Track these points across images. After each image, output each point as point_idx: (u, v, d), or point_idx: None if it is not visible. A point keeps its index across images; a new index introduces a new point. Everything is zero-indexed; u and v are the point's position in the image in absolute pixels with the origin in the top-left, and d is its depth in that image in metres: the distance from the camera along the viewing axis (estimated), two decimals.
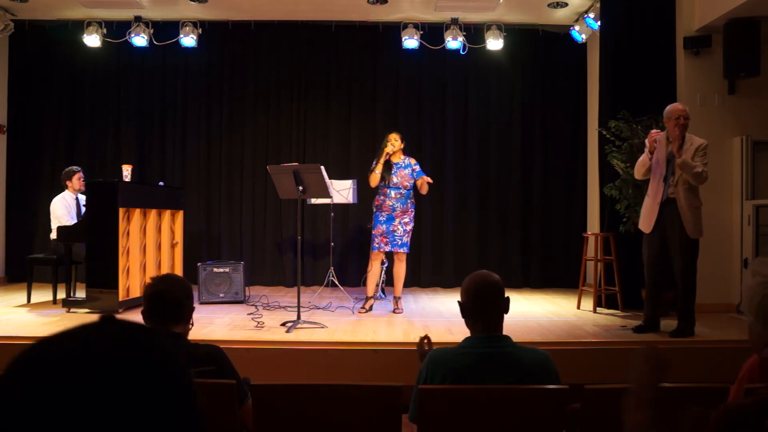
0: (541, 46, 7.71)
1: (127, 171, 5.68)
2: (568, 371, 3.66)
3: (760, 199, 5.69)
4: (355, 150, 7.71)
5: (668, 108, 4.60)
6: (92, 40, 7.37)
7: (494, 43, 7.40)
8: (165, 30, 7.50)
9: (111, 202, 5.31)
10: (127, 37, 7.35)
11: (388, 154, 5.47)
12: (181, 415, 0.61)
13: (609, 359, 4.16)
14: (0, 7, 7.10)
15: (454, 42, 7.33)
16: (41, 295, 6.22)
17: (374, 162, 5.55)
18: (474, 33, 7.51)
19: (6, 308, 5.64)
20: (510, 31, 7.50)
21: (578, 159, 7.70)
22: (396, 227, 5.49)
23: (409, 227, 5.56)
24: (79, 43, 7.49)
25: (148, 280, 2.42)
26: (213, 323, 4.96)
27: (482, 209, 7.71)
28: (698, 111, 5.80)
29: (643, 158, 4.61)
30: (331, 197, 5.57)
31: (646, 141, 4.62)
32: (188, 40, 7.37)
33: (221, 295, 6.07)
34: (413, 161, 5.62)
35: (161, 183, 6.81)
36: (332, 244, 6.99)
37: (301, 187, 4.90)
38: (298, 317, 4.86)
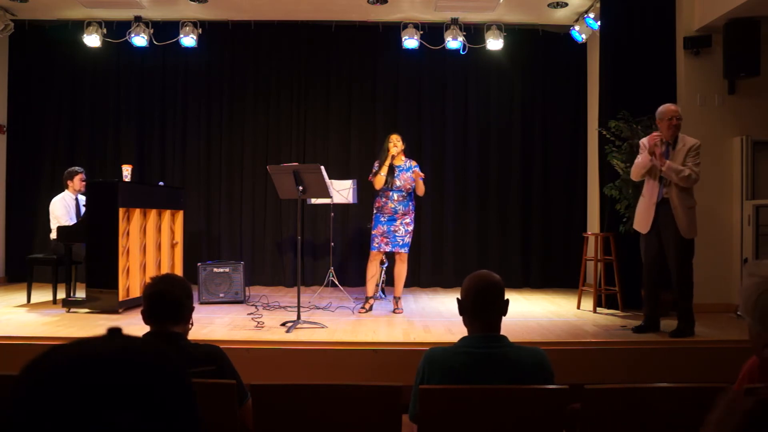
0: (541, 46, 7.71)
1: (127, 171, 5.68)
2: (568, 371, 3.68)
3: (760, 199, 5.69)
4: (355, 150, 7.71)
5: (660, 109, 4.60)
6: (92, 40, 7.37)
7: (494, 43, 7.40)
8: (165, 30, 7.50)
9: (111, 202, 5.31)
10: (127, 37, 7.35)
11: (393, 156, 5.47)
12: (181, 417, 0.65)
13: (609, 359, 4.16)
14: (0, 7, 7.10)
15: (454, 42, 7.33)
16: (41, 295, 6.22)
17: (377, 164, 5.55)
18: (474, 33, 7.51)
19: (6, 308, 5.64)
20: (510, 31, 7.50)
21: (578, 159, 7.70)
22: (398, 227, 5.50)
23: (410, 228, 5.57)
24: (79, 43, 7.49)
25: (148, 280, 2.42)
26: (213, 323, 4.96)
27: (482, 209, 7.71)
28: (698, 111, 5.81)
29: (643, 160, 4.58)
30: (331, 197, 5.57)
31: (645, 142, 4.60)
32: (188, 40, 7.37)
33: (221, 295, 6.07)
34: (414, 164, 5.62)
35: (161, 183, 6.81)
36: (332, 244, 7.00)
37: (301, 187, 4.90)
38: (298, 317, 4.86)
